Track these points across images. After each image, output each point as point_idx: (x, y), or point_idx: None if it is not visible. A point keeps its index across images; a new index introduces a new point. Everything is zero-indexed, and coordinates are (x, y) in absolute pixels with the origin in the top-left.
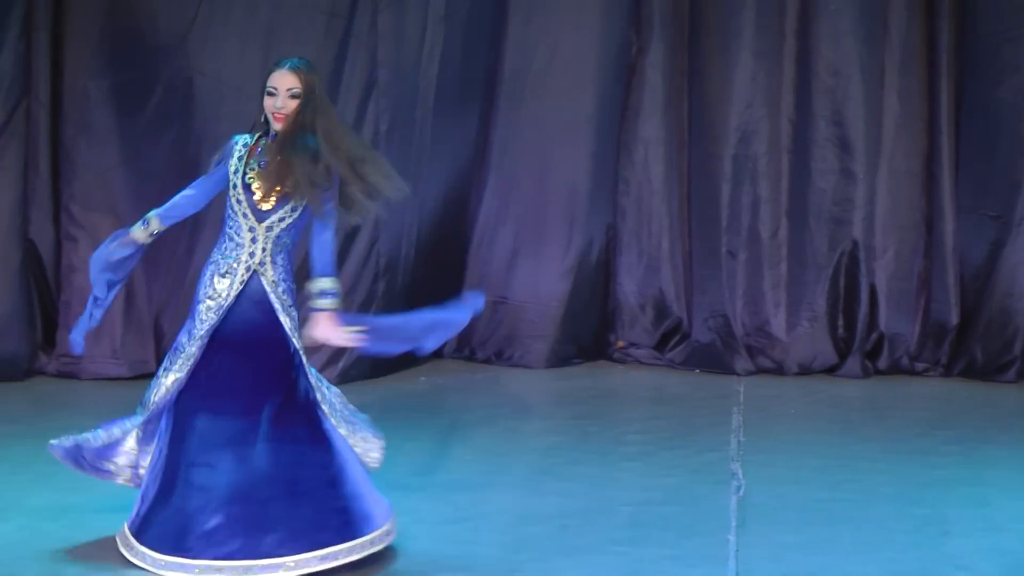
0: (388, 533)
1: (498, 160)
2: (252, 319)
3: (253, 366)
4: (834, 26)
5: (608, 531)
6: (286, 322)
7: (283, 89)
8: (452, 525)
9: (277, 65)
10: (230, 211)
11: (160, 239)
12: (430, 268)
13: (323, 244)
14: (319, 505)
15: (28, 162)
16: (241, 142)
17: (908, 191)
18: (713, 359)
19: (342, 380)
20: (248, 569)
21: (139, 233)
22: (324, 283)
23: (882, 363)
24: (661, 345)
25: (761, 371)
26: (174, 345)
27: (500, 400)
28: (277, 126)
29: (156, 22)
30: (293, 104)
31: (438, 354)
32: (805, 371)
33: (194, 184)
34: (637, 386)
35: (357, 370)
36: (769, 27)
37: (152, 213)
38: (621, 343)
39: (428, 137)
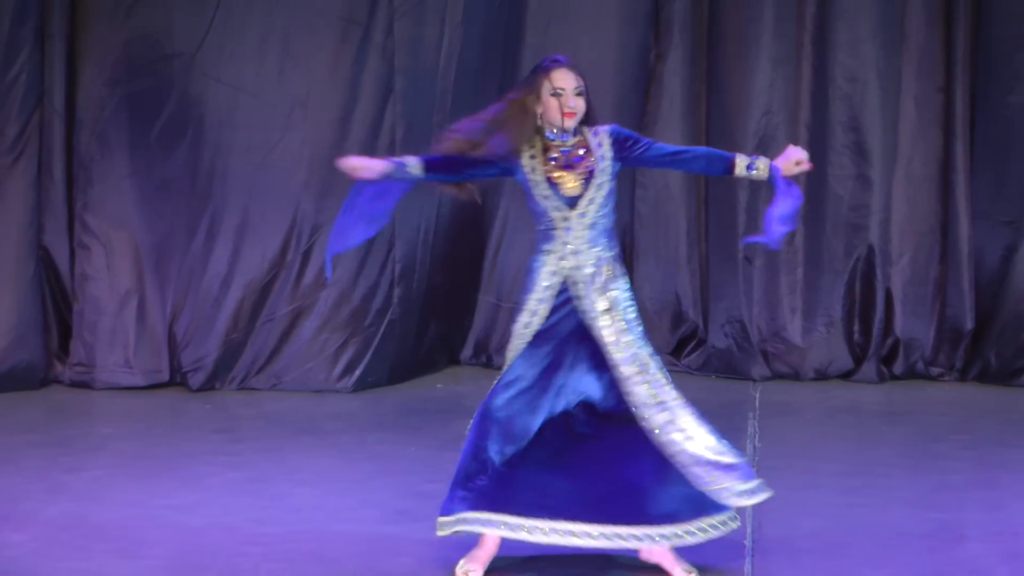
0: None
1: None
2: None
3: None
4: (851, 33)
5: None
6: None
7: (570, 88)
8: None
9: (554, 63)
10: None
11: (172, 247)
12: (446, 274)
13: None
14: None
15: (42, 170)
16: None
17: (924, 197)
18: (730, 364)
19: (359, 387)
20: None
21: (415, 168)
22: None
23: (898, 368)
24: (678, 351)
25: (777, 376)
26: None
27: None
28: (568, 123)
29: (171, 30)
30: (581, 103)
31: (455, 361)
32: (821, 376)
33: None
34: None
35: (374, 376)
36: (787, 34)
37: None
38: None
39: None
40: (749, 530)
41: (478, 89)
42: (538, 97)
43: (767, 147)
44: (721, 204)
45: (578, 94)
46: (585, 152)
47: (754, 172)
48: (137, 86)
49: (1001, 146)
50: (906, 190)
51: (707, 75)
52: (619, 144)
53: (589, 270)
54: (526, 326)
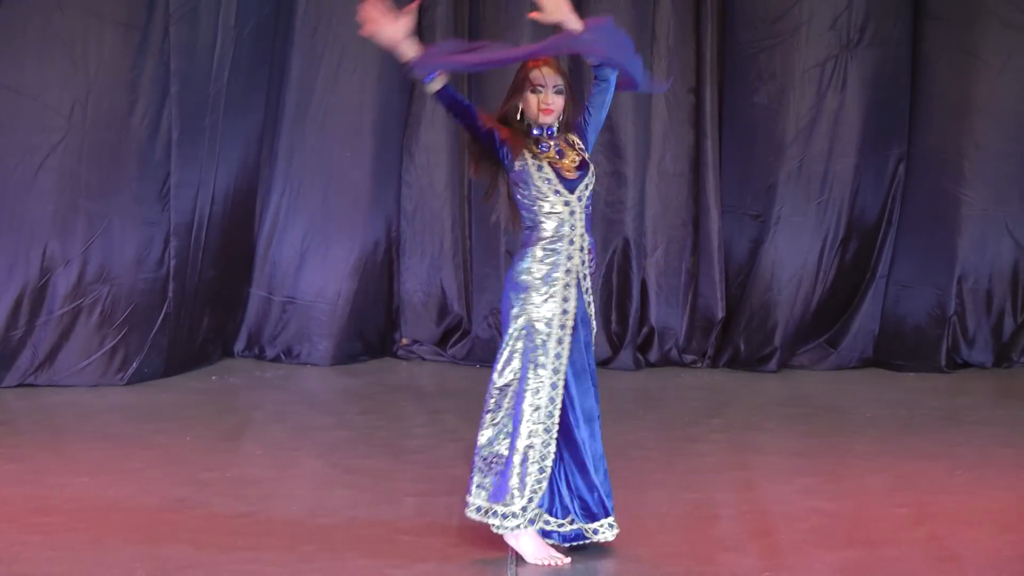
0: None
1: (285, 165)
2: None
3: None
4: None
5: (395, 521)
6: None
7: (550, 86)
8: (243, 519)
9: (535, 61)
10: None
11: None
12: (218, 269)
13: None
14: None
15: None
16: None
17: (676, 192)
18: (493, 354)
19: (136, 379)
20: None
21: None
22: None
23: (653, 355)
24: (443, 341)
25: None
26: None
27: (289, 397)
28: (544, 119)
29: None
30: (559, 100)
31: (228, 353)
32: None
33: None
34: (421, 381)
35: (150, 369)
36: (542, 35)
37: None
38: (406, 340)
39: (218, 144)
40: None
41: (249, 90)
42: (520, 93)
43: None
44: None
45: (557, 92)
46: (569, 146)
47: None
48: None
49: (747, 143)
50: (659, 186)
51: (468, 77)
52: (582, 131)
53: (587, 256)
54: (562, 315)
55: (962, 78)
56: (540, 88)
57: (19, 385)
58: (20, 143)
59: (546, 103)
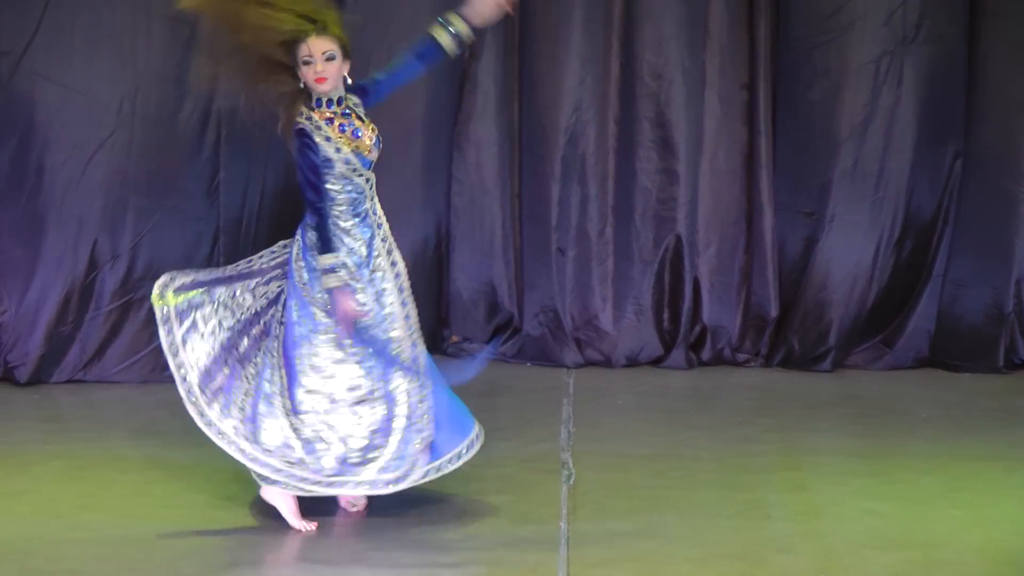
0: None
1: None
2: None
3: None
4: (657, 31)
5: (441, 521)
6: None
7: (318, 55)
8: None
9: (305, 35)
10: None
11: (6, 247)
12: None
13: None
14: None
15: None
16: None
17: (729, 189)
18: (543, 352)
19: None
20: None
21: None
22: None
23: (705, 354)
24: (493, 339)
25: (590, 363)
26: None
27: None
28: (322, 88)
29: None
30: (331, 67)
31: None
32: (632, 363)
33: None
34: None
35: None
36: (595, 33)
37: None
38: (455, 338)
39: (267, 140)
40: (564, 512)
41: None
42: (297, 68)
43: (577, 142)
44: (534, 197)
45: (328, 59)
46: (359, 121)
47: (455, 29)
48: None
49: (801, 141)
50: (711, 183)
51: (519, 73)
52: (364, 101)
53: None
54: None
55: (1020, 74)
56: (309, 59)
57: (68, 381)
58: (69, 138)
59: (317, 72)
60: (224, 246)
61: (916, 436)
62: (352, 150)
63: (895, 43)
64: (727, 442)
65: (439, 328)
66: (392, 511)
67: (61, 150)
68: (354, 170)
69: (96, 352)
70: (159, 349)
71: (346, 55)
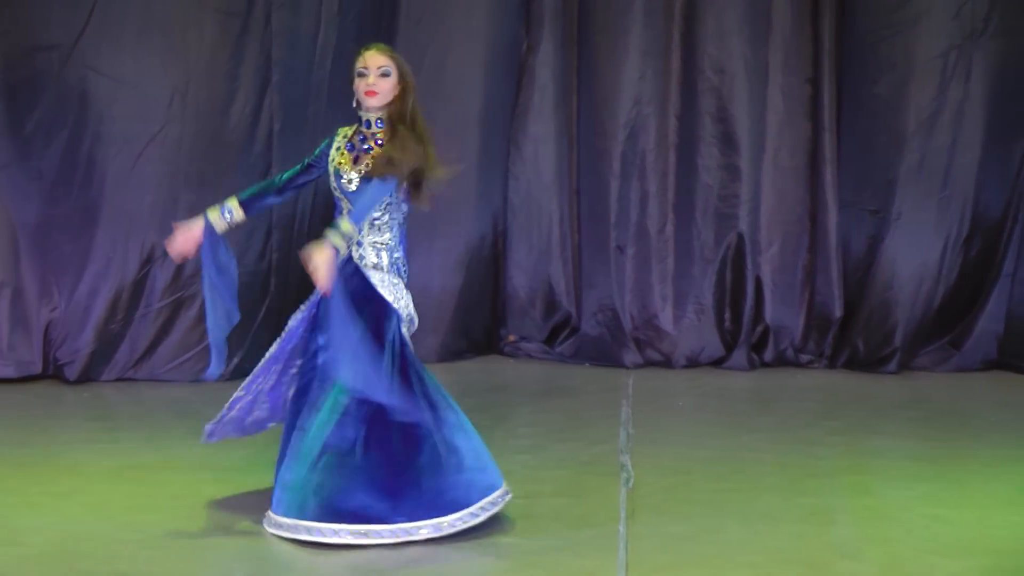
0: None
1: None
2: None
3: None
4: (719, 25)
5: (499, 523)
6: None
7: (374, 68)
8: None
9: (365, 48)
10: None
11: (49, 238)
12: None
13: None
14: None
15: None
16: (341, 134)
17: (792, 186)
18: (602, 352)
19: (237, 375)
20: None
21: (215, 219)
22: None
23: (768, 355)
24: (551, 339)
25: (649, 364)
26: None
27: None
28: (371, 102)
29: (49, 22)
30: (384, 83)
31: None
32: (692, 363)
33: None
34: (528, 379)
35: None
36: (656, 26)
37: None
38: (512, 337)
39: (320, 135)
40: (623, 515)
41: (353, 80)
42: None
43: (637, 137)
44: (592, 194)
45: (383, 75)
46: (366, 153)
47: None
48: (13, 77)
49: (866, 137)
50: (774, 180)
51: (578, 67)
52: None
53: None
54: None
55: None
56: (365, 71)
57: (117, 379)
58: (120, 132)
59: (368, 85)
60: (277, 243)
61: (984, 440)
62: (335, 167)
63: (963, 37)
64: (790, 445)
65: (496, 327)
66: None
67: (111, 144)
68: (332, 185)
69: (146, 350)
70: (207, 346)
71: (402, 82)
